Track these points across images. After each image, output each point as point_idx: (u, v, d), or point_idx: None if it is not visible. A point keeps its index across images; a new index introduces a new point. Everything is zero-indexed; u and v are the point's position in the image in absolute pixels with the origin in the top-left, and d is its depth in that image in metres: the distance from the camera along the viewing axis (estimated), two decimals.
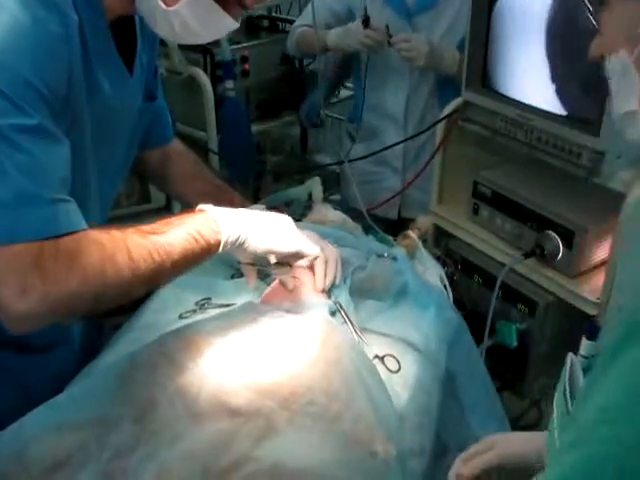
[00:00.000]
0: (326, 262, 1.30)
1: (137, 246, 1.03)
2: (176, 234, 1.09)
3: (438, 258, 1.66)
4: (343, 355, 1.11)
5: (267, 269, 1.29)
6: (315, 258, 1.27)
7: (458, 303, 1.64)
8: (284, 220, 1.26)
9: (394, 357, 1.23)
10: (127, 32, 1.22)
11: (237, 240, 1.16)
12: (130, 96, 1.25)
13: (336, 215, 1.58)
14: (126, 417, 1.02)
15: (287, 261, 1.27)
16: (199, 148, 2.15)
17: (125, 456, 0.98)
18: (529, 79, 1.57)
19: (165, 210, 2.15)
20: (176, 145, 1.55)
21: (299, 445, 0.98)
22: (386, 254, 1.44)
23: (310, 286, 1.29)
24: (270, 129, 2.62)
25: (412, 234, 1.59)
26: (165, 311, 1.32)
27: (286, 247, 1.24)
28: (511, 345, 1.68)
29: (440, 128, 1.84)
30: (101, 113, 1.15)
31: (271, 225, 1.23)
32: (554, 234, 1.59)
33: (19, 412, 1.04)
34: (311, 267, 1.30)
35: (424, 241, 1.64)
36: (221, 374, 1.07)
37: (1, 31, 0.94)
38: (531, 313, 1.67)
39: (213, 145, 2.27)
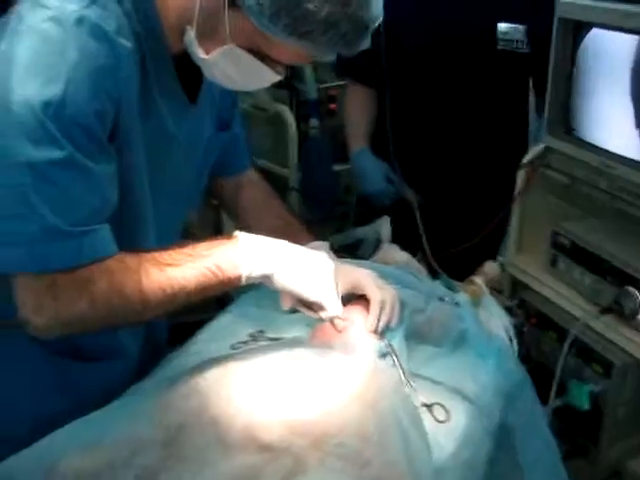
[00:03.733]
0: (383, 303, 1.25)
1: (150, 278, 1.05)
2: (194, 267, 1.09)
3: (508, 309, 1.58)
4: (382, 398, 1.05)
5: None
6: (333, 318, 1.23)
7: (525, 357, 1.56)
8: (322, 263, 1.23)
9: (443, 407, 1.17)
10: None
11: (262, 276, 1.15)
12: (193, 125, 1.26)
13: (402, 256, 1.53)
14: (156, 440, 1.00)
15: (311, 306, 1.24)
16: (281, 185, 2.15)
17: (149, 478, 0.95)
18: (613, 125, 1.50)
19: None
20: (251, 175, 1.56)
21: None
22: (448, 298, 1.38)
23: (362, 326, 1.24)
24: None
25: (478, 280, 1.52)
26: (217, 340, 1.31)
27: (312, 294, 1.21)
28: (582, 408, 1.57)
29: (520, 175, 1.78)
30: (158, 138, 1.17)
31: (304, 265, 1.20)
32: (635, 290, 1.49)
33: (68, 418, 1.06)
34: (366, 305, 1.26)
35: (493, 289, 1.56)
36: (256, 407, 1.04)
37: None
38: (607, 374, 1.56)
39: (294, 183, 2.27)
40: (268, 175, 2.07)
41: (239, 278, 1.13)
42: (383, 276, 1.32)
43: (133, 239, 1.16)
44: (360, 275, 1.28)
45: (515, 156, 1.80)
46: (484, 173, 2.07)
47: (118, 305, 1.04)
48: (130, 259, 1.06)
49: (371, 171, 2.06)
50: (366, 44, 1.08)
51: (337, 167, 2.39)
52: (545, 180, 1.73)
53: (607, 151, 1.51)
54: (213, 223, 2.08)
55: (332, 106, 2.44)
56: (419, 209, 1.97)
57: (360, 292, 1.28)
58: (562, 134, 1.62)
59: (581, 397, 1.57)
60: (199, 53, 1.10)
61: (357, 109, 2.15)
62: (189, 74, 1.19)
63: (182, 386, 1.08)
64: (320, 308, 1.24)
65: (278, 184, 1.94)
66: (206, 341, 1.32)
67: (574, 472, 1.46)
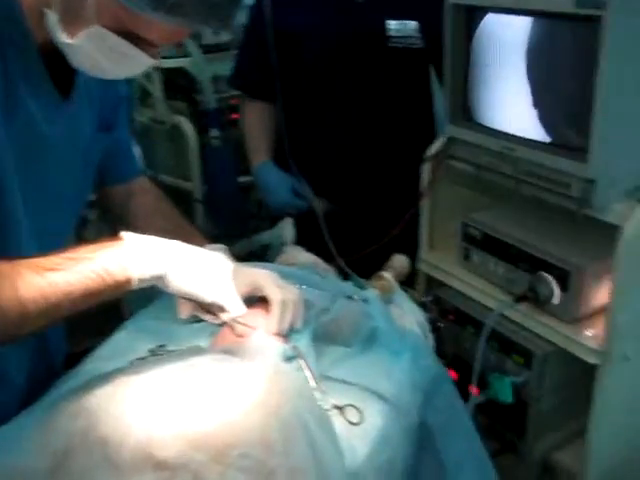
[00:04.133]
0: (284, 303, 1.17)
1: (28, 286, 0.93)
2: (79, 271, 0.98)
3: (423, 305, 1.53)
4: (285, 402, 0.97)
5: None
6: (235, 319, 1.16)
7: (442, 354, 1.51)
8: (218, 263, 1.16)
9: (356, 408, 1.09)
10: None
11: (153, 277, 1.06)
12: (69, 124, 1.16)
13: (307, 257, 1.45)
14: (39, 469, 0.89)
15: (210, 309, 1.17)
16: (185, 199, 2.06)
17: None
18: (511, 107, 1.47)
19: None
20: (142, 182, 1.46)
21: None
22: (356, 296, 1.31)
23: (264, 330, 1.16)
24: None
25: (387, 274, 1.46)
26: (114, 358, 1.20)
27: (209, 295, 1.14)
28: (506, 401, 1.52)
29: (425, 169, 1.73)
30: (26, 138, 1.07)
31: (199, 265, 1.13)
32: (548, 275, 1.46)
33: None
34: (267, 308, 1.18)
35: (402, 283, 1.50)
36: (149, 422, 0.93)
37: None
38: (527, 364, 1.52)
39: (198, 195, 2.19)
40: (171, 190, 1.98)
41: (129, 281, 1.03)
42: (285, 277, 1.24)
43: (5, 249, 1.04)
44: (259, 275, 1.20)
45: (423, 151, 1.76)
46: (393, 173, 2.03)
47: None
48: (4, 266, 0.93)
49: (275, 184, 2.00)
50: (241, 18, 1.00)
51: (243, 179, 2.32)
52: (451, 172, 1.69)
53: (508, 134, 1.48)
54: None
55: (233, 116, 2.37)
56: (329, 216, 1.91)
57: (260, 294, 1.20)
58: (463, 122, 1.59)
59: (504, 390, 1.52)
60: (62, 37, 1.00)
61: (255, 123, 2.10)
62: (60, 68, 1.10)
63: (69, 407, 0.97)
64: (220, 310, 1.16)
65: (182, 199, 1.85)
66: (102, 359, 1.20)
67: (505, 469, 1.40)
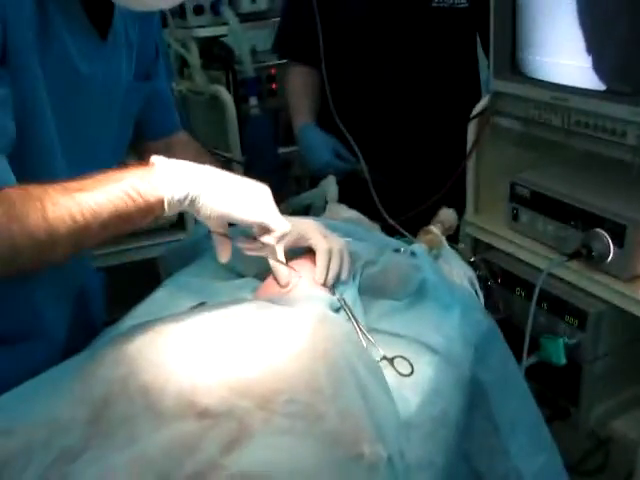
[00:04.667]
0: (330, 253, 1.13)
1: (56, 205, 0.89)
2: (108, 191, 0.93)
3: (470, 263, 1.47)
4: (333, 346, 0.93)
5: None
6: (283, 234, 1.06)
7: (494, 313, 1.45)
8: (257, 187, 1.07)
9: (406, 359, 1.05)
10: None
11: (186, 199, 0.98)
12: (108, 67, 1.14)
13: (351, 214, 1.41)
14: (78, 418, 0.86)
15: (254, 233, 1.07)
16: (224, 168, 2.02)
17: (70, 460, 0.82)
18: (562, 56, 1.40)
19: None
20: (182, 136, 1.43)
21: (272, 450, 0.80)
22: (403, 249, 1.26)
23: (310, 280, 1.12)
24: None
25: (435, 229, 1.40)
26: (154, 315, 1.16)
27: (249, 215, 1.03)
28: (559, 363, 1.46)
29: (471, 128, 1.68)
30: (63, 74, 1.04)
31: (235, 187, 1.04)
32: (602, 232, 1.39)
33: None
34: (314, 259, 1.14)
35: (449, 238, 1.44)
36: (192, 370, 0.91)
37: None
38: (581, 325, 1.46)
39: (237, 166, 2.15)
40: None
41: (161, 202, 0.97)
42: (330, 229, 1.20)
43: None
44: (304, 224, 1.16)
45: (468, 112, 1.70)
46: (438, 137, 1.98)
47: (20, 238, 0.87)
48: (33, 188, 0.90)
49: (317, 145, 1.95)
50: None
51: (282, 150, 2.28)
52: (497, 131, 1.63)
53: (558, 85, 1.41)
54: None
55: (273, 85, 2.33)
56: (371, 181, 1.86)
57: (305, 244, 1.16)
58: (509, 75, 1.52)
59: (557, 352, 1.46)
60: None
61: (299, 86, 2.06)
62: (99, 8, 1.08)
63: (108, 355, 0.94)
64: (263, 231, 1.06)
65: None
66: (142, 317, 1.16)
67: (556, 437, 1.34)
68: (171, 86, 1.44)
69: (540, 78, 1.46)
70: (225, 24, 2.19)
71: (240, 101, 2.25)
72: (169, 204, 0.97)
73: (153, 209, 0.97)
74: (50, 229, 0.89)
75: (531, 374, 1.48)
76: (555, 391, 1.57)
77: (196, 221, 1.58)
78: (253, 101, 2.22)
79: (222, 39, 2.34)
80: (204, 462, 0.80)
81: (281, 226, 1.06)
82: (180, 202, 0.98)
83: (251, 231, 1.07)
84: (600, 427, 1.57)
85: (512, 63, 1.51)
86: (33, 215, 0.88)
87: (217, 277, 1.27)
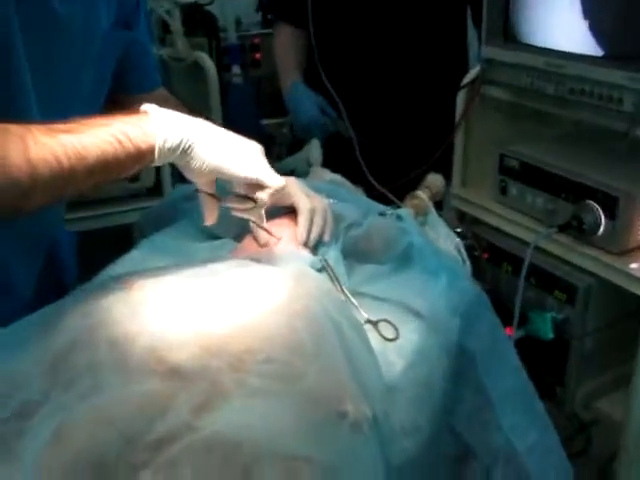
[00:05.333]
0: (312, 212, 1.08)
1: (39, 146, 0.82)
2: (95, 135, 0.86)
3: (457, 233, 1.42)
4: (314, 303, 0.87)
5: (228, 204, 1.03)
6: (278, 190, 1.01)
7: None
8: (250, 144, 1.01)
9: (391, 323, 1.00)
10: None
11: (179, 147, 0.92)
12: (85, 9, 1.07)
13: (335, 178, 1.36)
14: (39, 369, 0.80)
15: (245, 192, 1.01)
16: None
17: (28, 415, 0.76)
18: (557, 20, 1.36)
19: (154, 191, 1.96)
20: (162, 92, 1.37)
21: (248, 412, 0.75)
22: (389, 212, 1.21)
23: (291, 240, 1.06)
24: (284, 124, 2.43)
25: (422, 194, 1.35)
26: None
27: (242, 169, 0.97)
28: (546, 337, 1.43)
29: (460, 98, 1.63)
30: (37, 13, 0.97)
31: (229, 141, 0.98)
32: (593, 203, 1.35)
33: None
34: (294, 219, 1.09)
35: (435, 204, 1.40)
36: (163, 325, 0.85)
37: None
38: (570, 300, 1.42)
39: None
40: None
41: (151, 149, 0.91)
42: (314, 190, 1.15)
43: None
44: (286, 182, 1.10)
45: (456, 82, 1.66)
46: (425, 104, 1.94)
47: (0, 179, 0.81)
48: (14, 126, 0.83)
49: (304, 102, 1.94)
50: None
51: (265, 121, 2.23)
52: (488, 100, 1.59)
53: (553, 50, 1.37)
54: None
55: (256, 55, 2.28)
56: (358, 144, 1.82)
57: (287, 202, 1.10)
58: (501, 42, 1.48)
59: (544, 326, 1.42)
60: None
61: (286, 46, 2.05)
62: None
63: (75, 307, 0.88)
64: (255, 188, 1.01)
65: None
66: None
67: None
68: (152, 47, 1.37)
69: (533, 44, 1.41)
70: None
71: (222, 69, 2.19)
72: (160, 151, 0.91)
73: (143, 156, 0.90)
74: (32, 170, 0.82)
75: (517, 350, 1.45)
76: (541, 369, 1.52)
77: (173, 186, 1.51)
78: (236, 69, 2.17)
79: (207, 7, 2.27)
80: (174, 425, 0.74)
81: (275, 182, 1.01)
82: (171, 151, 0.92)
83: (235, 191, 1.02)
84: (584, 408, 1.54)
85: (505, 28, 1.47)
86: (13, 154, 0.81)
87: (195, 239, 1.22)
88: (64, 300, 0.97)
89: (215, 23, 2.25)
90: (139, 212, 1.61)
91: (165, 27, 2.18)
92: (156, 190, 1.97)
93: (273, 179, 1.01)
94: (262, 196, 1.00)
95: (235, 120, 2.10)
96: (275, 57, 2.09)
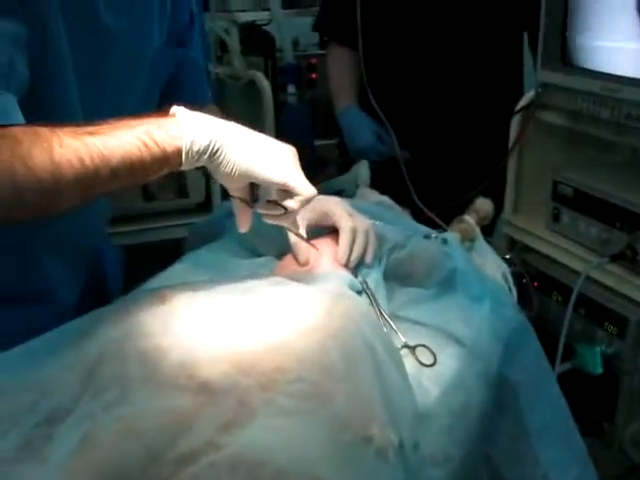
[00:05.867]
0: (354, 232, 1.06)
1: (64, 147, 0.82)
2: (121, 137, 0.85)
3: (505, 260, 1.39)
4: (348, 323, 0.86)
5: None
6: (308, 199, 0.96)
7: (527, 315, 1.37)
8: (284, 147, 0.97)
9: (429, 349, 0.97)
10: None
11: (207, 150, 0.89)
12: (138, 24, 1.08)
13: (383, 199, 1.34)
14: (70, 379, 0.81)
15: (274, 198, 0.97)
16: None
17: (57, 421, 0.76)
18: (615, 43, 1.33)
19: (204, 206, 1.97)
20: (212, 111, 1.37)
21: (273, 432, 0.73)
22: (434, 235, 1.18)
23: (331, 260, 1.05)
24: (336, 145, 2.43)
25: (469, 218, 1.32)
26: None
27: (272, 173, 0.92)
28: (594, 372, 1.38)
29: (515, 123, 1.60)
30: (86, 25, 0.98)
31: (261, 144, 0.94)
32: None
33: None
34: (336, 239, 1.07)
35: (483, 229, 1.36)
36: (195, 341, 0.84)
37: None
38: (620, 333, 1.37)
39: None
40: None
41: (178, 152, 0.88)
42: (358, 210, 1.14)
43: None
44: (329, 202, 1.09)
45: (510, 106, 1.63)
46: (478, 128, 1.90)
47: (24, 179, 0.80)
48: (41, 128, 0.84)
49: (359, 127, 1.92)
50: None
51: (319, 142, 2.23)
52: (543, 125, 1.55)
53: (611, 75, 1.34)
54: (176, 186, 1.89)
55: (313, 75, 2.28)
56: (408, 166, 1.81)
57: (329, 222, 1.09)
58: (558, 66, 1.45)
59: (593, 360, 1.37)
60: None
61: (340, 68, 2.02)
62: None
63: (107, 317, 0.88)
64: (286, 195, 0.96)
65: None
66: None
67: None
68: (207, 65, 1.37)
69: (590, 68, 1.38)
70: (267, 10, 2.15)
71: (278, 89, 2.20)
72: (187, 155, 0.89)
73: (169, 159, 0.88)
74: (56, 171, 0.82)
75: (563, 383, 1.40)
76: (588, 404, 1.47)
77: (222, 200, 1.51)
78: (291, 89, 2.18)
79: (264, 27, 2.30)
80: (199, 441, 0.73)
81: (306, 190, 0.95)
82: (199, 154, 0.89)
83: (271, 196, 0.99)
84: (635, 447, 1.48)
85: (562, 52, 1.44)
86: (39, 156, 0.81)
87: (238, 255, 1.21)
88: (100, 310, 0.97)
89: (272, 43, 2.27)
90: (188, 227, 1.62)
91: (223, 46, 2.21)
92: (206, 206, 1.99)
93: (304, 186, 0.96)
94: (291, 204, 0.95)
95: (289, 140, 2.10)
96: (329, 79, 2.07)
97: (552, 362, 1.34)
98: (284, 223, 0.98)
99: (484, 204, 1.39)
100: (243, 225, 1.00)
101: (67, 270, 1.14)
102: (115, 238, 1.69)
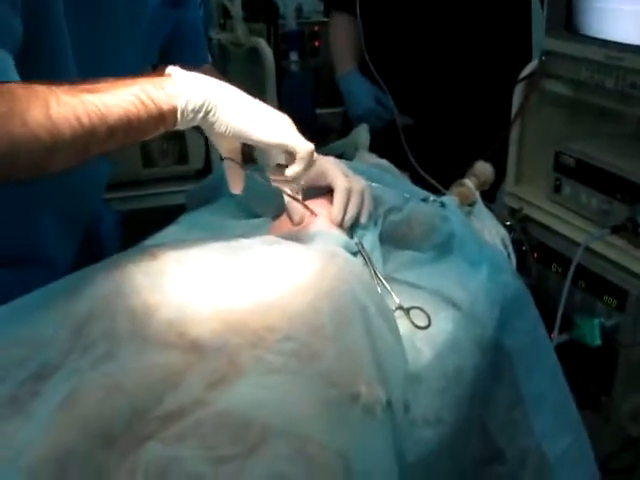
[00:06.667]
0: (349, 192, 1.05)
1: (61, 105, 0.81)
2: (118, 95, 0.84)
3: (506, 226, 1.37)
4: (340, 283, 0.84)
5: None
6: (308, 156, 0.94)
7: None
8: (278, 113, 0.96)
9: (423, 311, 0.96)
10: None
11: (202, 108, 0.89)
12: None
13: (381, 162, 1.32)
14: (60, 335, 0.80)
15: (269, 161, 0.97)
16: None
17: (45, 377, 0.75)
18: (622, 12, 1.30)
19: (203, 173, 1.96)
20: (208, 70, 1.36)
21: (261, 389, 0.72)
22: (432, 198, 1.16)
23: (326, 220, 1.04)
24: (339, 113, 2.40)
25: (468, 182, 1.30)
26: None
27: (268, 134, 0.91)
28: (593, 343, 1.36)
29: (518, 92, 1.58)
30: None
31: (256, 106, 0.94)
32: None
33: None
34: (332, 200, 1.06)
35: (482, 194, 1.34)
36: (186, 298, 0.83)
37: None
38: (620, 306, 1.36)
39: None
40: None
41: (174, 111, 0.88)
42: (355, 172, 1.12)
43: None
44: (325, 162, 1.08)
45: (516, 73, 1.60)
46: (481, 94, 1.88)
47: (21, 135, 0.79)
48: (39, 86, 0.83)
49: (360, 92, 1.92)
50: None
51: (320, 110, 2.21)
52: (546, 95, 1.53)
53: (615, 42, 1.31)
54: (175, 153, 1.88)
55: (316, 43, 2.26)
56: (409, 132, 1.81)
57: (324, 182, 1.07)
58: (563, 33, 1.42)
59: (591, 331, 1.36)
60: None
61: (341, 34, 2.03)
62: None
63: (98, 274, 0.87)
64: (283, 154, 0.95)
65: None
66: None
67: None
68: (207, 28, 1.35)
69: (595, 35, 1.36)
70: None
71: (280, 56, 2.18)
72: (182, 113, 0.88)
73: (165, 118, 0.88)
74: (53, 128, 0.81)
75: (560, 356, 1.39)
76: (586, 377, 1.46)
77: None
78: (293, 56, 2.16)
79: None
80: (186, 399, 0.72)
81: (304, 146, 0.94)
82: (194, 112, 0.89)
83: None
84: (632, 421, 1.46)
85: (567, 18, 1.41)
86: (36, 112, 0.80)
87: (234, 217, 1.20)
88: (91, 268, 0.96)
89: (275, 9, 2.24)
90: (185, 194, 1.61)
91: (225, 12, 2.18)
92: (205, 172, 1.97)
93: (301, 143, 0.94)
94: (294, 168, 0.94)
95: (290, 107, 2.08)
96: (330, 46, 2.07)
97: (550, 333, 1.33)
98: (288, 189, 0.97)
99: (484, 168, 1.37)
100: (235, 187, 0.98)
101: (63, 233, 1.13)
102: (114, 203, 1.69)
